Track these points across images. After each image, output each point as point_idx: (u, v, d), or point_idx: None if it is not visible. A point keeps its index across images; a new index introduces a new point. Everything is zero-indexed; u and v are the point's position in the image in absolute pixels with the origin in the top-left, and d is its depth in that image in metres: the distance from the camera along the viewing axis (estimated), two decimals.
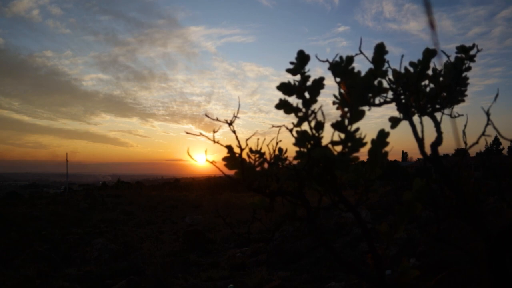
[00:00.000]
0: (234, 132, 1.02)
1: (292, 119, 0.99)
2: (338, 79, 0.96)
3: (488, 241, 1.03)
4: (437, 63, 1.17)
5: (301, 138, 0.97)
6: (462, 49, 1.18)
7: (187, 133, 1.10)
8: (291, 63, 0.97)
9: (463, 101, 1.20)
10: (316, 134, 0.96)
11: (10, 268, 5.75)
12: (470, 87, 1.22)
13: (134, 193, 20.32)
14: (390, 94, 1.08)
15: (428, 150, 1.09)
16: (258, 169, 1.03)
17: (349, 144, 0.94)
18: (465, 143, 1.17)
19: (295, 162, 1.01)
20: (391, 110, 1.09)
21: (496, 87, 1.21)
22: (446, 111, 1.17)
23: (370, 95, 0.98)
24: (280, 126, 1.03)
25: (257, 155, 1.04)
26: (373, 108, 1.03)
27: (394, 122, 1.05)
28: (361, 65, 1.07)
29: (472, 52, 1.17)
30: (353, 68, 0.95)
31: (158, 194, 20.18)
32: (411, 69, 1.10)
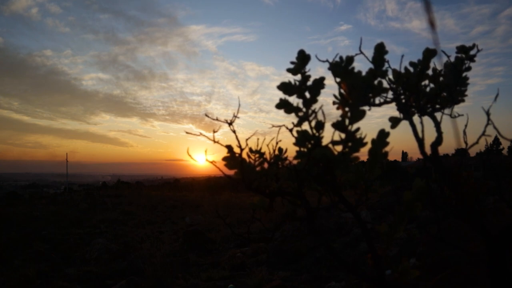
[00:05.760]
0: (234, 132, 1.02)
1: (292, 118, 0.99)
2: (338, 79, 0.96)
3: (488, 241, 1.03)
4: (437, 63, 1.17)
5: (301, 138, 0.97)
6: (462, 49, 1.18)
7: (187, 133, 1.10)
8: (292, 62, 0.97)
9: (463, 101, 1.20)
10: (317, 134, 0.96)
11: (10, 268, 5.75)
12: (472, 86, 1.22)
13: (134, 193, 20.30)
14: (390, 94, 1.08)
15: (428, 150, 1.09)
16: (258, 169, 1.03)
17: (350, 144, 0.94)
18: (466, 143, 1.16)
19: (295, 162, 1.01)
20: (392, 110, 1.09)
21: (498, 86, 1.22)
22: (446, 111, 1.17)
23: (370, 95, 0.98)
24: (280, 126, 1.03)
25: (257, 155, 1.04)
26: (374, 108, 1.03)
27: (394, 122, 1.05)
28: (362, 65, 1.07)
29: (472, 52, 1.17)
30: (353, 68, 0.95)
31: (158, 194, 20.17)
32: (411, 69, 1.10)
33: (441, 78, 1.19)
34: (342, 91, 0.95)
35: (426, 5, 0.75)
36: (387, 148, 0.97)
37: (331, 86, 1.04)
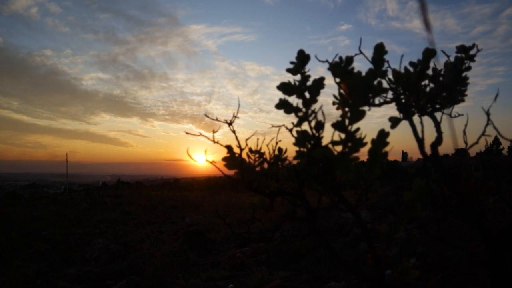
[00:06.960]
0: (234, 132, 1.02)
1: (292, 119, 0.99)
2: (338, 79, 0.96)
3: (488, 241, 1.03)
4: (437, 63, 1.16)
5: (301, 138, 0.97)
6: (462, 48, 1.18)
7: (187, 133, 1.10)
8: (291, 63, 0.97)
9: (463, 100, 1.19)
10: (316, 134, 0.96)
11: (10, 268, 5.75)
12: (472, 86, 1.23)
13: (134, 193, 20.29)
14: (390, 94, 1.08)
15: (428, 150, 1.09)
16: (258, 169, 1.03)
17: (349, 144, 0.94)
18: (466, 143, 1.16)
19: (295, 162, 1.01)
20: (392, 110, 1.09)
21: (498, 86, 1.22)
22: (446, 111, 1.17)
23: (370, 95, 0.98)
24: (280, 126, 1.03)
25: (257, 155, 1.04)
26: (374, 108, 1.03)
27: (394, 122, 1.05)
28: (362, 65, 1.07)
29: (472, 52, 1.17)
30: (353, 68, 0.95)
31: (158, 194, 20.17)
32: (411, 69, 1.10)
33: (441, 78, 1.19)
34: (342, 91, 0.95)
35: (421, 6, 0.75)
36: (387, 148, 0.97)
37: (331, 86, 1.04)
